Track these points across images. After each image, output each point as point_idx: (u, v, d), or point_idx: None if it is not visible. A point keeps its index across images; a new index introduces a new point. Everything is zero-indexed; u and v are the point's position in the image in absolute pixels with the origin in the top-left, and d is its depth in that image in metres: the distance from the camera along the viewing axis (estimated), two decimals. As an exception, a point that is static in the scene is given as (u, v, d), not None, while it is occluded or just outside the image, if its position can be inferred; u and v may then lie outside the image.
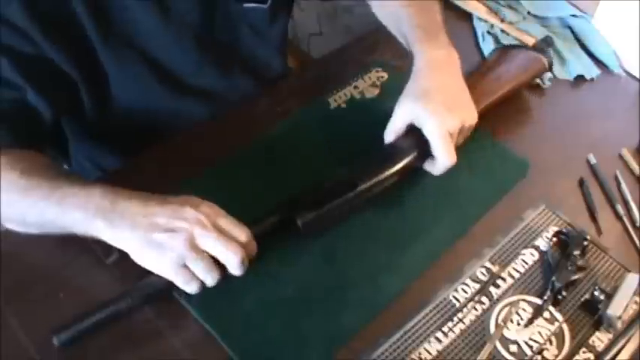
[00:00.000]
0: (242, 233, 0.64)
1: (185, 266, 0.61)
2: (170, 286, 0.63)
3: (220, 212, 0.64)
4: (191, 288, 0.62)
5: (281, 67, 1.00)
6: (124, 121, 0.87)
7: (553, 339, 0.67)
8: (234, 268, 0.63)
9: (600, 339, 0.67)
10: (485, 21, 1.05)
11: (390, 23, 0.90)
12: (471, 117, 0.78)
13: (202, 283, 0.63)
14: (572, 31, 1.04)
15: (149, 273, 0.63)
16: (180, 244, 0.60)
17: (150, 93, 0.84)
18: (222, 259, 0.62)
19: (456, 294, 0.70)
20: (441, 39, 0.82)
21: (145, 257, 0.62)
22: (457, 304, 0.69)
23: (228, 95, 0.92)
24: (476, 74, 0.88)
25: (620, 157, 0.87)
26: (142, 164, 0.83)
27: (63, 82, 0.77)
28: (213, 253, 0.62)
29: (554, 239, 0.75)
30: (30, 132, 0.73)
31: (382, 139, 0.78)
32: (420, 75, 0.78)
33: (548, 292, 0.69)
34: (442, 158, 0.75)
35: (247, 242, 0.64)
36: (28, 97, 0.72)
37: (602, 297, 0.68)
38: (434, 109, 0.74)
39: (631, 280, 0.70)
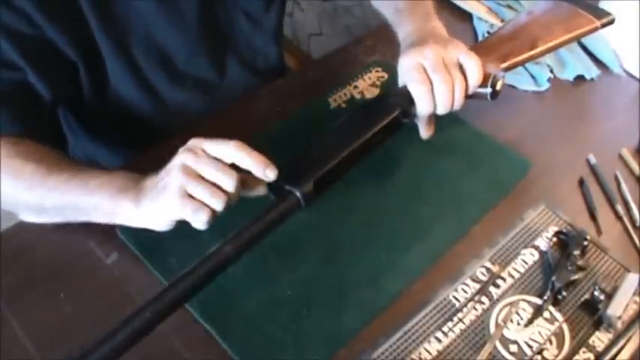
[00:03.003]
0: (228, 149, 0.61)
1: (189, 196, 0.60)
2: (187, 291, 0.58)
3: (204, 140, 0.62)
4: (202, 217, 0.59)
5: (277, 60, 1.00)
6: (122, 111, 0.87)
7: (553, 339, 0.67)
8: (230, 187, 0.60)
9: (600, 339, 0.67)
10: (486, 21, 1.05)
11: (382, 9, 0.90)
12: (451, 45, 0.73)
13: (212, 212, 0.60)
14: (572, 31, 1.04)
15: (148, 275, 0.63)
16: (175, 175, 0.60)
17: (145, 79, 0.85)
18: (217, 180, 0.60)
19: (456, 294, 0.70)
20: (425, 17, 0.81)
21: (158, 209, 0.61)
22: (457, 304, 0.69)
23: (225, 87, 0.92)
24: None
25: (620, 157, 0.87)
26: (141, 164, 0.83)
27: (63, 65, 0.77)
28: (208, 175, 0.60)
29: (554, 239, 0.75)
30: (30, 116, 0.73)
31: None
32: (402, 47, 0.78)
33: (548, 292, 0.69)
34: (412, 89, 0.72)
35: (237, 152, 0.61)
36: (28, 78, 0.73)
37: (602, 297, 0.68)
38: (403, 53, 0.74)
39: (631, 280, 0.70)
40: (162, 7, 0.80)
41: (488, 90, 0.75)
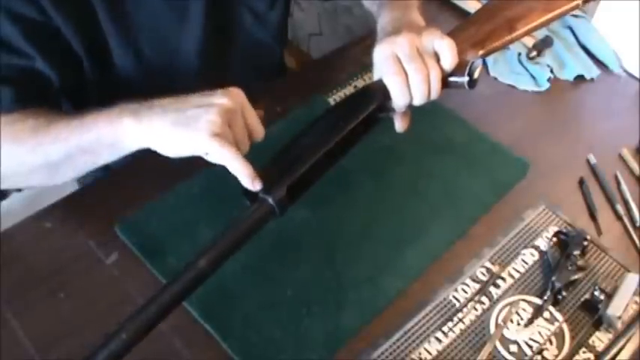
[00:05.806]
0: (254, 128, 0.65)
1: (219, 134, 0.60)
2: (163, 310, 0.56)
3: (246, 103, 0.65)
4: (226, 152, 0.59)
5: (279, 60, 1.00)
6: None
7: (553, 339, 0.67)
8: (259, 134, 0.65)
9: (600, 339, 0.67)
10: (485, 21, 1.05)
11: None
12: (425, 32, 0.70)
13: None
14: (572, 31, 1.04)
15: (148, 275, 0.63)
16: (215, 112, 0.60)
17: (151, 74, 0.85)
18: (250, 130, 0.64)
19: (456, 294, 0.70)
20: (404, 9, 0.79)
21: (176, 136, 0.61)
22: (457, 304, 0.69)
23: (227, 83, 0.92)
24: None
25: (620, 157, 0.87)
26: (141, 163, 0.83)
27: (69, 55, 0.77)
28: (239, 128, 0.63)
29: (554, 239, 0.75)
30: (34, 98, 0.73)
31: (381, 139, 0.78)
32: (378, 38, 0.75)
33: (548, 292, 0.69)
34: (387, 81, 0.69)
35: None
36: (37, 64, 0.72)
37: (602, 297, 0.68)
38: (377, 44, 0.71)
39: (631, 280, 0.70)
40: (167, 3, 0.80)
41: (465, 78, 0.70)
